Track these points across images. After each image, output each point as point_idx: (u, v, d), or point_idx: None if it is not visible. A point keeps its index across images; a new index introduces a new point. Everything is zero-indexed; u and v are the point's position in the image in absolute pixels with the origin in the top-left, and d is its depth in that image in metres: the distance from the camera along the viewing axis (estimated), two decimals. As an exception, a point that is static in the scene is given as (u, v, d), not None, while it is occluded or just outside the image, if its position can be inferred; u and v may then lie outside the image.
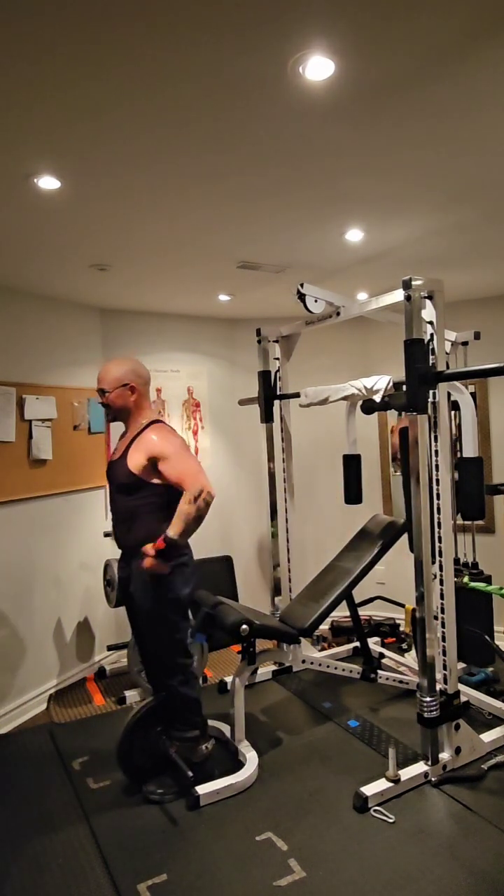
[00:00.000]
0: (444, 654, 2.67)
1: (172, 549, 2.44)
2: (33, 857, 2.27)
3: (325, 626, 4.25)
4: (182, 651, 2.63)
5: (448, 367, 2.73)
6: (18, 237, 2.61)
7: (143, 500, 2.55)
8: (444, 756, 2.65)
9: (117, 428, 4.00)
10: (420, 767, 2.61)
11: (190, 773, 2.49)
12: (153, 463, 2.52)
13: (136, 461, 2.54)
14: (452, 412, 3.25)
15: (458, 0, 1.26)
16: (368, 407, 3.45)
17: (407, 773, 2.57)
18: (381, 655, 3.87)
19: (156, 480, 2.54)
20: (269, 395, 3.76)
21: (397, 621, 4.37)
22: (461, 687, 2.90)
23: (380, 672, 3.40)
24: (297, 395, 3.51)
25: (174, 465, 2.51)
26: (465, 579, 3.17)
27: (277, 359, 3.77)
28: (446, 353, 2.91)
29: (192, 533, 2.47)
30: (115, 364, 2.67)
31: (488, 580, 3.25)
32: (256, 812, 2.47)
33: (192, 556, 2.67)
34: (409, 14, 1.30)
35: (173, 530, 2.43)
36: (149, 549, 2.45)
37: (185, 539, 2.46)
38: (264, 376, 3.75)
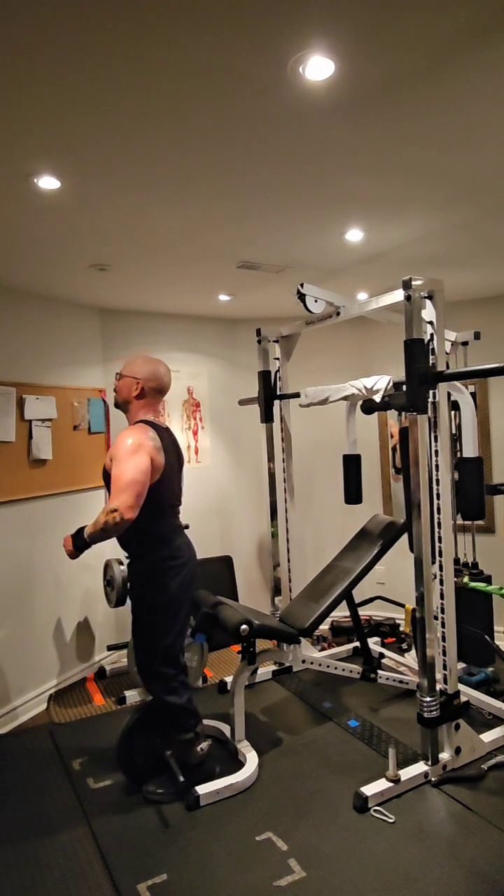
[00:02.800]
0: (444, 654, 2.67)
1: (79, 540, 2.40)
2: (33, 857, 2.27)
3: (325, 626, 4.26)
4: (166, 660, 2.56)
5: (448, 367, 2.73)
6: (18, 237, 2.61)
7: None
8: (444, 756, 2.65)
9: (117, 427, 4.00)
10: (420, 767, 2.61)
11: (181, 778, 2.48)
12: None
13: (107, 460, 2.53)
14: (452, 412, 3.25)
15: None
16: (368, 407, 3.45)
17: (407, 773, 2.57)
18: (381, 655, 3.86)
19: None
20: (269, 395, 3.76)
21: (397, 621, 4.38)
22: (461, 687, 2.90)
23: (380, 672, 3.40)
24: (297, 395, 3.51)
25: (115, 471, 2.38)
26: (465, 579, 3.17)
27: (277, 359, 3.77)
28: (446, 353, 2.90)
29: (99, 540, 2.37)
30: (142, 358, 2.66)
31: (488, 580, 3.25)
32: (256, 812, 2.47)
33: (187, 560, 2.61)
34: (408, 13, 1.30)
35: (88, 527, 2.38)
36: (67, 536, 2.45)
37: (92, 541, 2.39)
38: (264, 376, 3.75)
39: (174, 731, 2.64)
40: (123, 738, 2.62)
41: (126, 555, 2.66)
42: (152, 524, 2.49)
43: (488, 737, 2.83)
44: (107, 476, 2.66)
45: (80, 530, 2.41)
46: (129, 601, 2.75)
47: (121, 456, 2.38)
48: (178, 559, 2.57)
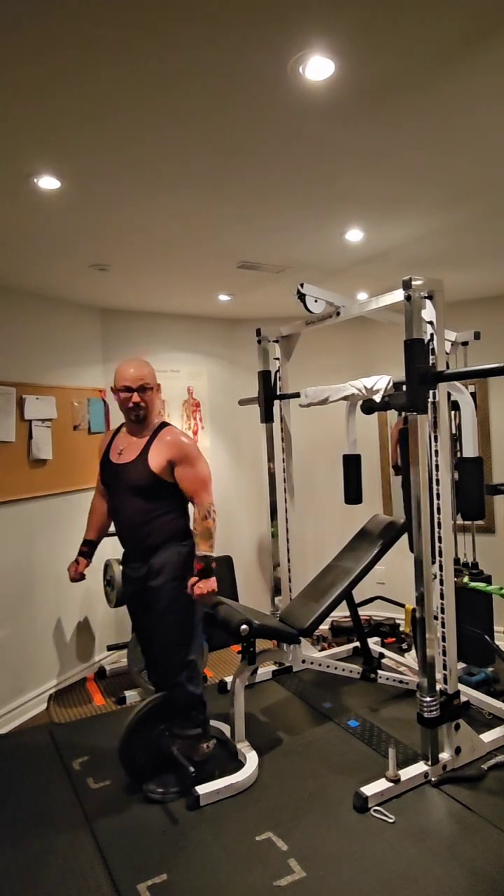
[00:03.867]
0: (444, 654, 2.67)
1: (212, 563, 2.53)
2: (33, 857, 2.27)
3: (325, 626, 4.25)
4: (193, 648, 2.65)
5: (448, 367, 2.73)
6: (18, 237, 2.61)
7: (164, 501, 2.59)
8: (444, 756, 2.65)
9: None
10: (420, 767, 2.61)
11: (192, 769, 2.49)
12: (171, 465, 2.56)
13: (157, 462, 2.56)
14: (452, 412, 3.25)
15: (458, 0, 1.26)
16: (368, 407, 3.45)
17: (407, 773, 2.57)
18: (381, 655, 3.86)
19: (174, 480, 2.60)
20: (269, 395, 3.76)
21: (397, 621, 4.38)
22: (461, 687, 2.90)
23: (380, 672, 3.40)
24: (297, 395, 3.51)
25: (191, 472, 2.58)
26: (465, 579, 3.17)
27: (277, 359, 3.77)
28: (446, 353, 2.90)
29: (215, 543, 2.59)
30: (145, 363, 2.69)
31: (488, 580, 3.25)
32: (256, 812, 2.47)
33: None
34: (409, 14, 1.30)
35: (203, 547, 2.54)
36: (192, 581, 2.53)
37: (213, 550, 2.56)
38: (264, 376, 3.75)
39: (184, 725, 2.65)
40: (126, 737, 2.61)
41: (143, 553, 2.65)
42: (182, 515, 2.64)
43: (488, 737, 2.83)
44: (121, 476, 2.65)
45: (203, 560, 2.53)
46: (132, 599, 2.75)
47: (193, 457, 2.60)
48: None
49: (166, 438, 2.60)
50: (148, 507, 2.59)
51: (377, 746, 2.90)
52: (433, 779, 2.60)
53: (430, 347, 2.59)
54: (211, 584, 2.53)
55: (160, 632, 2.64)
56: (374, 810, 2.43)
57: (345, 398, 3.33)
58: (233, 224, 2.57)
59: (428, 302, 2.59)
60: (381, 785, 2.51)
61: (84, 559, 2.87)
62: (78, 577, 2.85)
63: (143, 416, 2.64)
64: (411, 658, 3.88)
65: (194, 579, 2.52)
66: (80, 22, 1.29)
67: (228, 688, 3.34)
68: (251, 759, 2.73)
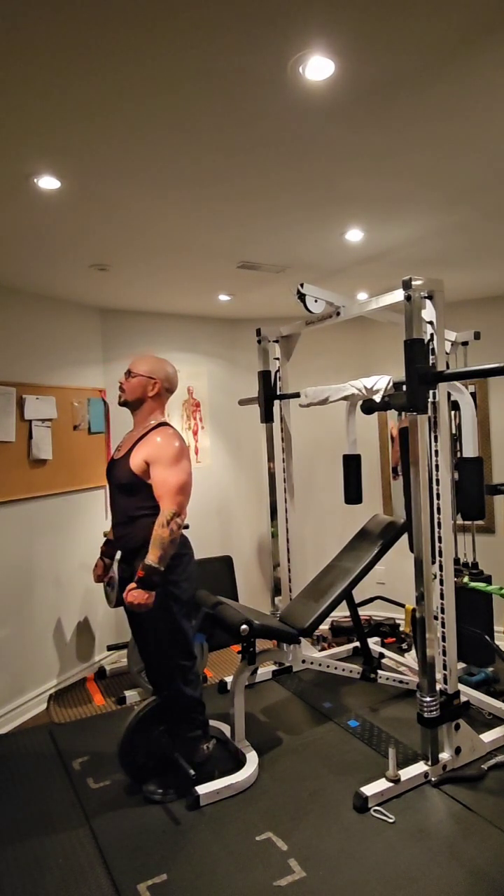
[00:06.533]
0: (444, 654, 2.67)
1: (154, 576, 2.39)
2: (33, 857, 2.27)
3: (325, 626, 4.26)
4: (184, 653, 2.62)
5: (448, 367, 2.73)
6: (18, 237, 2.61)
7: (144, 502, 2.54)
8: (444, 756, 2.65)
9: (117, 427, 4.01)
10: (420, 767, 2.61)
11: (192, 772, 2.49)
12: (148, 465, 2.52)
13: (137, 461, 2.54)
14: (452, 412, 3.25)
15: (458, 0, 1.26)
16: (368, 407, 3.45)
17: (407, 773, 2.57)
18: (381, 655, 3.86)
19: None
20: (269, 395, 3.76)
21: (397, 621, 4.38)
22: (461, 687, 2.90)
23: (380, 672, 3.40)
24: (297, 395, 3.51)
25: (160, 475, 2.48)
26: (465, 579, 3.17)
27: (277, 359, 3.77)
28: (446, 353, 2.90)
29: (169, 556, 2.43)
30: (154, 358, 2.72)
31: (488, 580, 3.25)
32: (256, 812, 2.47)
33: (192, 555, 2.67)
34: (409, 14, 1.30)
35: (151, 556, 2.38)
36: (130, 585, 2.41)
37: (164, 564, 2.40)
38: (264, 376, 3.75)
39: (183, 727, 2.65)
40: (126, 737, 2.62)
41: (128, 554, 2.65)
42: None
43: (488, 737, 2.83)
44: (112, 472, 2.68)
45: (145, 569, 2.37)
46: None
47: (167, 460, 2.49)
48: (187, 553, 2.63)
49: (151, 438, 2.56)
50: (131, 507, 2.56)
51: (377, 746, 2.90)
52: (433, 779, 2.60)
53: (430, 347, 2.59)
54: (146, 597, 2.37)
55: (149, 638, 2.63)
56: (374, 810, 2.43)
57: (345, 398, 3.33)
58: (233, 224, 2.57)
59: (428, 302, 2.59)
60: (381, 785, 2.51)
61: (102, 561, 2.85)
62: (99, 579, 2.85)
63: (123, 401, 2.70)
64: (411, 658, 3.88)
65: (132, 585, 2.39)
66: (80, 22, 1.29)
67: (228, 688, 3.34)
68: (251, 759, 2.73)
